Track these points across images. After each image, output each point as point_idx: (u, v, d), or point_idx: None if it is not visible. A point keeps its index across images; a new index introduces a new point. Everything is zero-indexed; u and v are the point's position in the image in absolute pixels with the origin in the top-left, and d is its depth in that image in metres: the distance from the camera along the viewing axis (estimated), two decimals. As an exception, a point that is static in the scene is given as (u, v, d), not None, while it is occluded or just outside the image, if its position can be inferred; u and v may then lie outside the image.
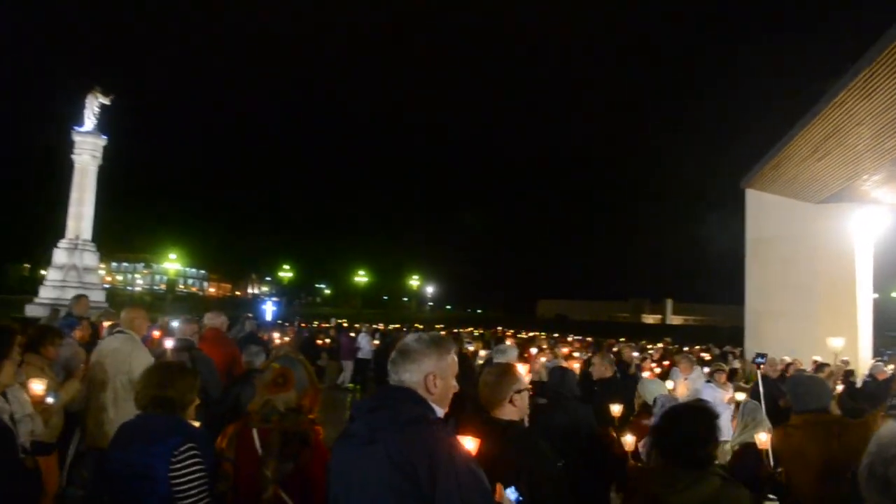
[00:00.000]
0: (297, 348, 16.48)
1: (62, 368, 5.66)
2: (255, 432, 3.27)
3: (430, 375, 2.55)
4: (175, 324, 13.65)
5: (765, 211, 19.67)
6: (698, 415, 3.24)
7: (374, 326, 31.13)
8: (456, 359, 2.69)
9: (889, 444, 1.88)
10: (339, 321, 37.66)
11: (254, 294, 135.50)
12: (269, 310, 47.00)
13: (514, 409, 3.38)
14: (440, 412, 2.57)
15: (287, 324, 27.69)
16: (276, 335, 16.49)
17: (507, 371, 3.49)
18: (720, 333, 52.32)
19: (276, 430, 3.21)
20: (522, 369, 4.69)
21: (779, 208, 19.13)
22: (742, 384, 10.43)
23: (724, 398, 9.17)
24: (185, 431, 3.29)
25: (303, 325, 41.45)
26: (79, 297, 9.77)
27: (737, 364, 16.60)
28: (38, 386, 4.44)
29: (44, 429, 4.41)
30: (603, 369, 7.90)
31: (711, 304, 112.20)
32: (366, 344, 19.94)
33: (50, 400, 4.60)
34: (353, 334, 21.14)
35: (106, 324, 7.51)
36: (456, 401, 2.75)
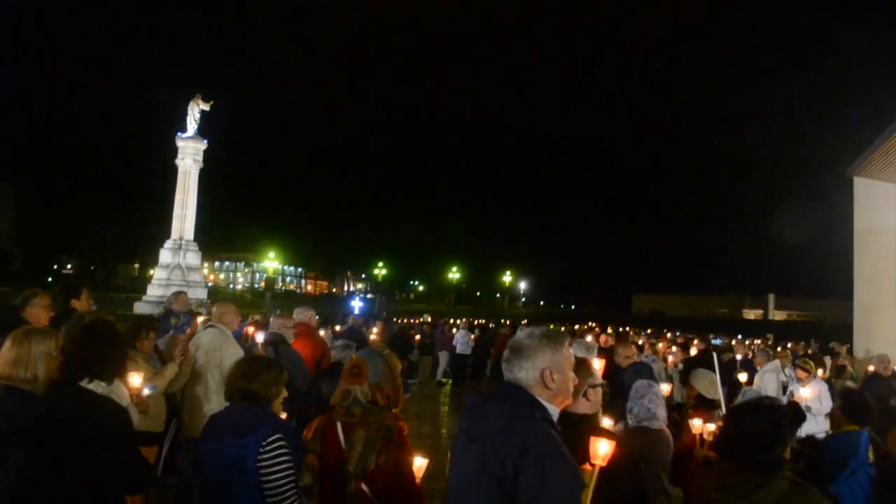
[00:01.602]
0: (385, 342, 16.67)
1: (159, 359, 5.87)
2: (339, 426, 3.27)
3: (547, 370, 2.50)
4: (270, 319, 14.07)
5: (875, 199, 18.62)
6: (764, 413, 3.02)
7: (472, 321, 31.13)
8: (571, 352, 2.65)
9: None
10: (430, 315, 37.76)
11: (348, 291, 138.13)
12: (356, 306, 47.76)
13: (588, 404, 3.40)
14: (554, 409, 2.51)
15: (377, 319, 28.00)
16: (374, 330, 16.70)
17: (581, 365, 3.40)
18: (825, 329, 50.07)
19: (359, 424, 3.20)
20: (597, 364, 4.56)
21: (890, 196, 18.11)
22: (849, 382, 9.97)
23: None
24: (272, 423, 3.34)
25: (393, 319, 41.98)
26: (178, 294, 10.15)
27: (845, 362, 15.75)
28: (135, 379, 4.59)
29: (140, 419, 4.54)
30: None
31: (816, 300, 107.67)
32: (463, 339, 19.96)
33: (146, 391, 4.77)
34: (450, 330, 21.20)
35: (199, 319, 7.72)
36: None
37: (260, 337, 6.21)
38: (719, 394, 5.67)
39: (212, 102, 30.89)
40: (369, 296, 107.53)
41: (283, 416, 3.46)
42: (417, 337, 18.50)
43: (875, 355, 12.09)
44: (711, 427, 4.90)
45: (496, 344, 19.61)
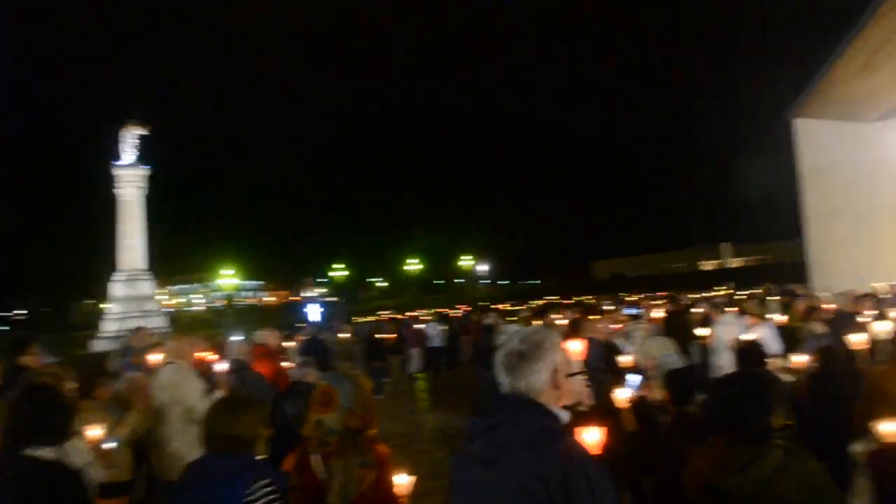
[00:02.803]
0: (358, 353, 16.42)
1: (119, 406, 5.60)
2: (314, 458, 3.05)
3: (556, 372, 2.35)
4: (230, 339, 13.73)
5: (817, 138, 18.87)
6: (751, 381, 2.96)
7: (439, 311, 30.96)
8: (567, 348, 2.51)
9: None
10: (395, 314, 37.42)
11: (309, 298, 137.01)
12: (312, 312, 46.68)
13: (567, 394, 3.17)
14: (564, 414, 2.36)
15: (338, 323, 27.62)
16: (343, 335, 16.46)
17: None
18: (783, 269, 50.98)
19: (336, 454, 2.99)
20: (578, 347, 4.42)
21: (832, 133, 18.35)
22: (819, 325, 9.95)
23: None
24: (256, 468, 3.09)
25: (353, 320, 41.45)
26: (137, 330, 9.84)
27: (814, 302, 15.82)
28: (94, 432, 4.35)
29: (105, 473, 4.31)
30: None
31: (770, 242, 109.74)
32: (434, 331, 19.74)
33: (108, 445, 4.50)
34: (418, 325, 20.94)
35: (153, 357, 7.41)
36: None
37: (220, 366, 5.94)
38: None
39: (150, 126, 30.11)
40: (332, 299, 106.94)
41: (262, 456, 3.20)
42: (390, 337, 18.21)
43: (836, 293, 12.20)
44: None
45: (471, 331, 19.51)
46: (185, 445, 5.17)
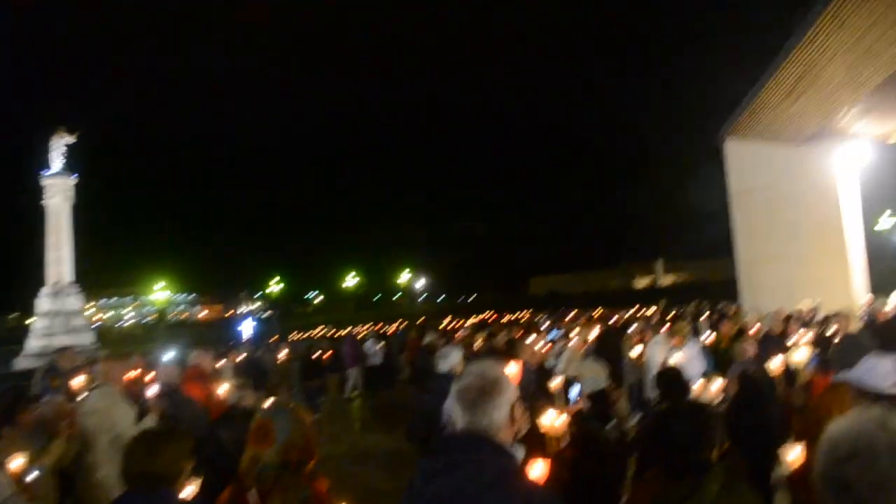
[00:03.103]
0: (295, 372, 16.18)
1: (42, 432, 5.35)
2: (251, 494, 2.93)
3: (514, 405, 2.33)
4: (161, 358, 13.38)
5: (746, 161, 19.45)
6: (688, 416, 3.01)
7: (377, 329, 30.81)
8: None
9: (839, 443, 1.66)
10: (331, 330, 37.04)
11: (243, 312, 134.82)
12: (246, 329, 45.85)
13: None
14: (520, 450, 2.37)
15: (273, 341, 27.22)
16: (281, 354, 16.20)
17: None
18: (714, 288, 52.29)
19: (274, 490, 2.87)
20: (513, 369, 4.42)
21: (760, 156, 18.93)
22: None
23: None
24: None
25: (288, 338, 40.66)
26: (62, 350, 9.48)
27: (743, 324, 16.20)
28: (16, 462, 4.14)
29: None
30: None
31: (702, 260, 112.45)
32: (372, 348, 19.57)
33: (31, 477, 4.25)
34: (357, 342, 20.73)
35: (78, 379, 7.16)
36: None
37: (150, 391, 5.74)
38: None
39: (77, 134, 29.20)
40: (267, 314, 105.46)
41: (187, 492, 3.05)
42: (325, 356, 17.96)
43: (765, 314, 12.51)
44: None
45: (408, 349, 19.42)
46: (113, 474, 4.97)
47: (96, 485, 5.06)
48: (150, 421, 5.42)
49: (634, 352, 11.11)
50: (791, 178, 18.33)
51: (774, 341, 9.48)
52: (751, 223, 19.53)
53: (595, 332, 13.65)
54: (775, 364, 6.12)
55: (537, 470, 2.71)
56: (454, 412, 2.34)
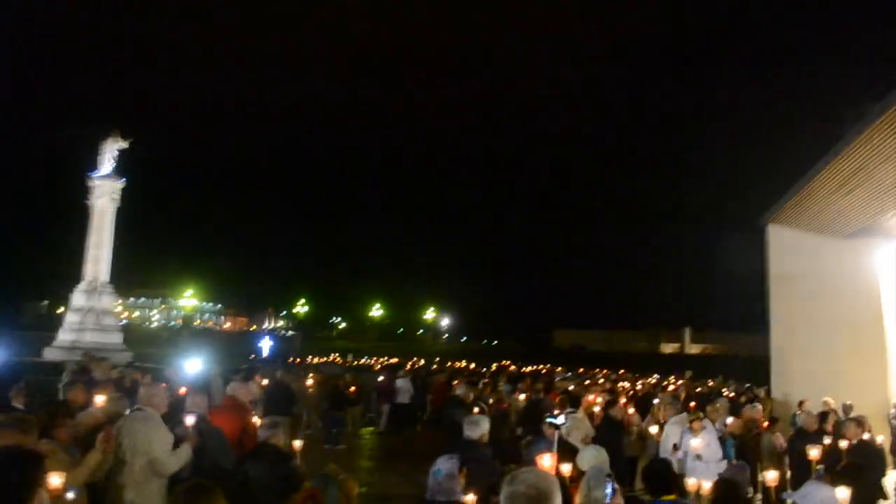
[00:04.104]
0: (324, 398, 16.25)
1: (77, 444, 5.45)
2: None
3: None
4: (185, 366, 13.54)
5: (788, 246, 19.33)
6: None
7: (412, 367, 30.77)
8: None
9: None
10: (351, 360, 37.01)
11: (268, 329, 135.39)
12: (266, 346, 46.51)
13: None
14: None
15: (294, 360, 27.40)
16: (309, 382, 16.31)
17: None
18: (740, 363, 51.69)
19: None
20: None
21: (803, 244, 18.81)
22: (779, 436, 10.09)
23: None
24: None
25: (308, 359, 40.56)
26: (100, 360, 9.61)
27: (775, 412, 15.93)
28: (55, 479, 4.07)
29: None
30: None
31: (731, 332, 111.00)
32: (404, 386, 19.52)
33: (70, 496, 4.27)
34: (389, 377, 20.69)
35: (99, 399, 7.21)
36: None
37: (190, 420, 5.83)
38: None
39: (131, 139, 29.88)
40: (290, 333, 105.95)
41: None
42: (352, 389, 17.97)
43: (803, 411, 12.25)
44: None
45: (433, 391, 19.42)
46: (143, 498, 5.07)
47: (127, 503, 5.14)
48: (186, 450, 5.52)
49: (653, 429, 10.98)
50: (832, 271, 18.17)
51: (810, 438, 9.28)
52: (788, 309, 19.33)
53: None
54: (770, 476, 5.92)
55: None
56: None
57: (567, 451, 6.27)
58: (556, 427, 7.07)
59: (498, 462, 6.40)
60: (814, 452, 8.23)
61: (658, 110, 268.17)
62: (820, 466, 6.81)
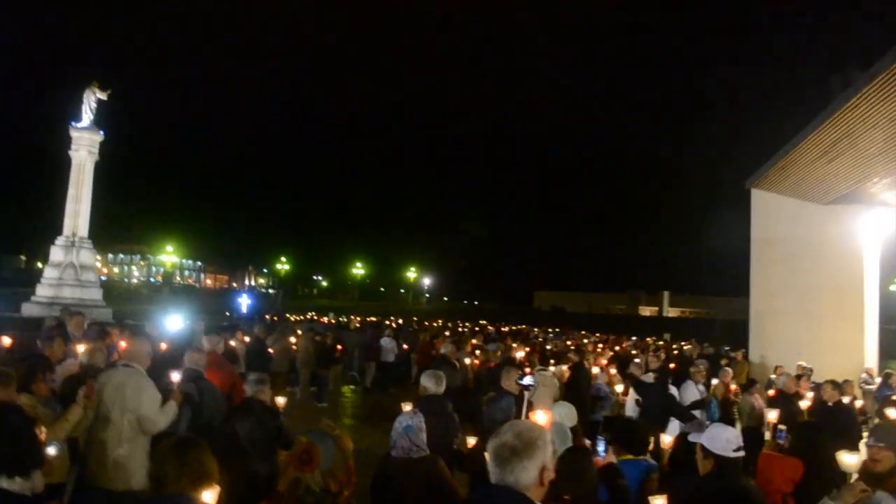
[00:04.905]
0: (313, 356, 16.21)
1: (56, 399, 5.38)
2: None
3: (544, 469, 2.42)
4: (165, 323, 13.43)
5: (771, 211, 19.46)
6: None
7: (391, 324, 30.77)
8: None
9: None
10: (340, 318, 36.86)
11: (249, 286, 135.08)
12: (244, 303, 46.67)
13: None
14: None
15: (270, 317, 27.40)
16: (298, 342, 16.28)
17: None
18: (718, 326, 52.34)
19: None
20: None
21: (785, 209, 18.93)
22: (758, 397, 10.18)
23: None
24: None
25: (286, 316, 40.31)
26: (73, 315, 9.41)
27: (753, 374, 16.11)
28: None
29: (43, 481, 4.01)
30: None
31: (708, 296, 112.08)
32: (389, 346, 19.49)
33: (51, 451, 4.14)
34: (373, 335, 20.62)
35: (80, 348, 7.14)
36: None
37: (176, 376, 5.77)
38: None
39: (110, 91, 29.32)
40: (270, 291, 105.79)
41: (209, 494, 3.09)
42: (339, 347, 17.90)
43: (780, 374, 12.39)
44: None
45: (418, 350, 19.50)
46: (131, 455, 5.00)
47: (112, 463, 5.05)
48: (172, 406, 5.45)
49: (620, 388, 11.14)
50: (814, 236, 18.33)
51: (789, 400, 9.45)
52: (769, 273, 19.52)
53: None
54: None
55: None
56: (489, 464, 2.45)
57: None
58: (525, 387, 7.14)
59: (456, 415, 6.52)
60: (772, 416, 8.44)
61: (646, 73, 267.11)
62: (783, 427, 6.84)
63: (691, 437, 4.26)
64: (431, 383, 6.62)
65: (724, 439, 3.94)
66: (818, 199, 17.98)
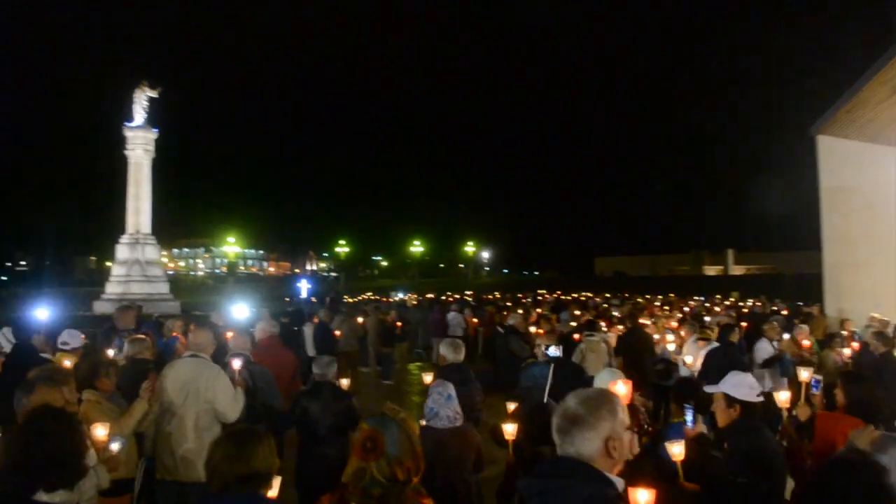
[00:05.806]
0: (375, 338, 16.31)
1: (120, 395, 5.35)
2: None
3: (610, 440, 2.25)
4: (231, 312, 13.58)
5: (840, 158, 18.55)
6: (859, 475, 2.83)
7: (461, 298, 30.67)
8: (626, 414, 2.36)
9: None
10: (411, 297, 36.69)
11: (310, 271, 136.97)
12: (304, 288, 47.18)
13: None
14: (620, 482, 2.26)
15: (332, 300, 27.68)
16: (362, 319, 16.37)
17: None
18: (786, 282, 50.89)
19: None
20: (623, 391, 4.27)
21: (855, 154, 18.05)
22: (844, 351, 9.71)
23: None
24: None
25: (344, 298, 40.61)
26: (122, 309, 9.41)
27: (835, 329, 15.41)
28: (100, 431, 4.02)
29: (109, 477, 3.89)
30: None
31: (775, 252, 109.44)
32: (455, 320, 19.32)
33: (115, 446, 4.11)
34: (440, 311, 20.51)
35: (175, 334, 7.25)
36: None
37: (237, 363, 5.70)
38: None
39: (160, 89, 29.78)
40: (331, 275, 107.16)
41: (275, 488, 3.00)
42: (399, 324, 17.90)
43: (860, 328, 11.83)
44: None
45: (483, 322, 19.39)
46: (200, 446, 4.92)
47: (181, 457, 5.02)
48: (240, 395, 5.39)
49: (687, 357, 10.42)
50: (887, 181, 17.47)
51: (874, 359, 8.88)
52: (841, 224, 18.68)
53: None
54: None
55: (642, 499, 2.53)
56: (553, 434, 2.34)
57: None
58: (552, 360, 6.94)
59: (479, 383, 6.65)
60: (804, 374, 7.32)
61: (702, 23, 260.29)
62: (818, 376, 6.25)
63: (707, 388, 4.29)
64: (450, 352, 6.73)
65: (747, 385, 3.99)
66: (890, 141, 17.11)
